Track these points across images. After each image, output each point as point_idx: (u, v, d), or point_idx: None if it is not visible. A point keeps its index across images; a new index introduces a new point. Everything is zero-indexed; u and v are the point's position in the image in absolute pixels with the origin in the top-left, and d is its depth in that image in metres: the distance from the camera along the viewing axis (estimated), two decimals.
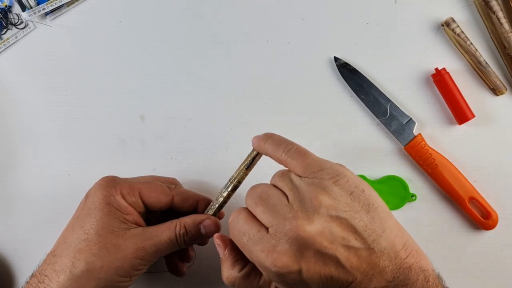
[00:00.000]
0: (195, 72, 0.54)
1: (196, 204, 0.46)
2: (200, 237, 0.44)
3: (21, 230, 0.54)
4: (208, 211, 0.45)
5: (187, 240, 0.43)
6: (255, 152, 0.42)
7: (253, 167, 0.42)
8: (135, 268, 0.41)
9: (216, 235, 0.40)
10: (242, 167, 0.42)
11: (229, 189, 0.43)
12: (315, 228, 0.32)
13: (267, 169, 0.40)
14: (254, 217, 0.35)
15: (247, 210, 0.36)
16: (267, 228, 0.34)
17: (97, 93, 0.54)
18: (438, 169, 0.51)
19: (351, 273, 0.33)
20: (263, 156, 0.41)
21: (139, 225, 0.43)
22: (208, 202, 0.46)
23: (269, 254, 0.33)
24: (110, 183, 0.42)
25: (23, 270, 0.53)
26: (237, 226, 0.35)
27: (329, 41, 0.54)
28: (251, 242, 0.34)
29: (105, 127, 0.54)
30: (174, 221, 0.43)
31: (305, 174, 0.35)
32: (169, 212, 0.46)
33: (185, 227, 0.43)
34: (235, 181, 0.43)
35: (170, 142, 0.54)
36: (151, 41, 0.55)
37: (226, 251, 0.38)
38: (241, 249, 0.36)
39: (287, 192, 0.35)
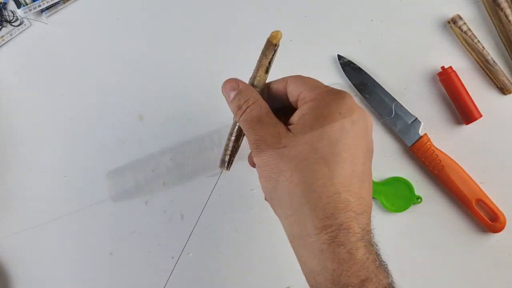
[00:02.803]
0: (194, 71, 0.54)
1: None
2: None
3: (16, 231, 0.53)
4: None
5: None
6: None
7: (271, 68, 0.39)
8: None
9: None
10: (260, 70, 0.39)
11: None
12: None
13: None
14: None
15: None
16: None
17: (94, 92, 0.54)
18: (444, 170, 0.50)
19: None
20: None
21: None
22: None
23: None
24: None
25: (19, 271, 0.53)
26: None
27: (333, 38, 0.53)
28: None
29: (103, 127, 0.53)
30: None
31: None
32: None
33: None
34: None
35: (169, 142, 0.53)
36: (149, 39, 0.54)
37: None
38: None
39: None
